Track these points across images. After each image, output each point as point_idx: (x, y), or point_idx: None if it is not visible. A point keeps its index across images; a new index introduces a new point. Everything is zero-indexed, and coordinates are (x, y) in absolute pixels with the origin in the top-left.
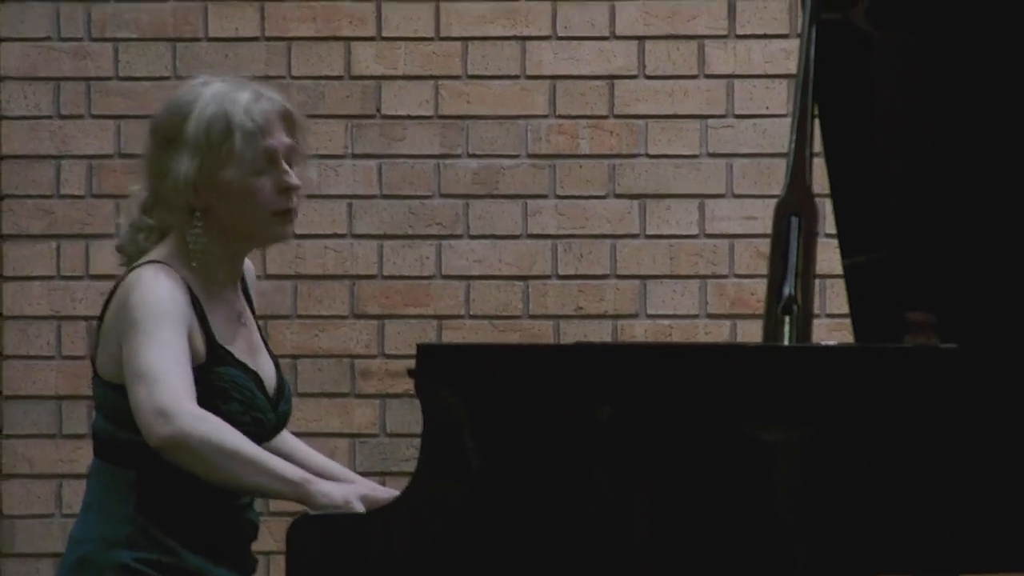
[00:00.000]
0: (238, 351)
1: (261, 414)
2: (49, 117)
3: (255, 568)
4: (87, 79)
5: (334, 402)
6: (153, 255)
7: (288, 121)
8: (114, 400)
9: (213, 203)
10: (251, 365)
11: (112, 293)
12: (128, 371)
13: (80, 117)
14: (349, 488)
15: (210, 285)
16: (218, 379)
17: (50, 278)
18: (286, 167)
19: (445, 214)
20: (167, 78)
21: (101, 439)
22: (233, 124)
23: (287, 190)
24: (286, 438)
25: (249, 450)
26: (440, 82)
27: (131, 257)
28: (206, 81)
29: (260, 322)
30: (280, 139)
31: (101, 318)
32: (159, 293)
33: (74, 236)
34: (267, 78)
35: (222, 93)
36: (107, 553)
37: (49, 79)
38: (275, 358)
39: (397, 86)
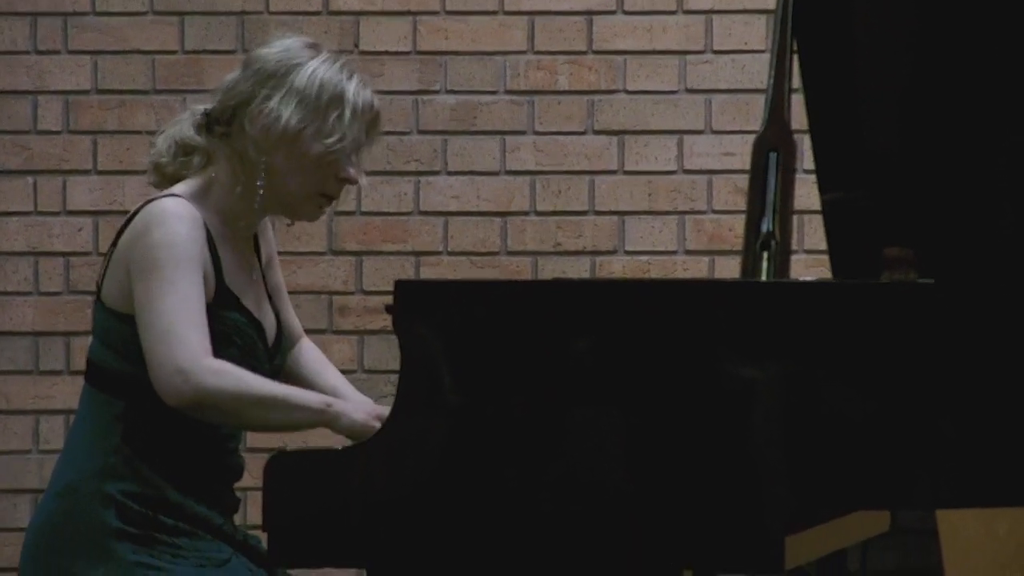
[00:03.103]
0: (244, 298)
1: (257, 363)
2: (26, 52)
3: (237, 508)
4: (64, 14)
5: (312, 338)
6: (177, 189)
7: (375, 122)
8: (115, 328)
9: (281, 159)
10: (255, 314)
11: (128, 221)
12: (143, 319)
13: (57, 52)
14: (369, 406)
15: (228, 231)
16: (221, 323)
17: (27, 214)
18: (355, 160)
19: (423, 150)
20: (144, 13)
21: (94, 365)
22: (347, 97)
23: (345, 182)
24: (304, 348)
25: (270, 391)
26: (418, 18)
27: (165, 178)
28: (310, 44)
29: None
30: (363, 134)
31: (114, 244)
32: (182, 234)
33: (51, 172)
34: (244, 14)
35: (333, 63)
36: (92, 482)
37: (25, 14)
38: (278, 313)
39: (375, 22)
